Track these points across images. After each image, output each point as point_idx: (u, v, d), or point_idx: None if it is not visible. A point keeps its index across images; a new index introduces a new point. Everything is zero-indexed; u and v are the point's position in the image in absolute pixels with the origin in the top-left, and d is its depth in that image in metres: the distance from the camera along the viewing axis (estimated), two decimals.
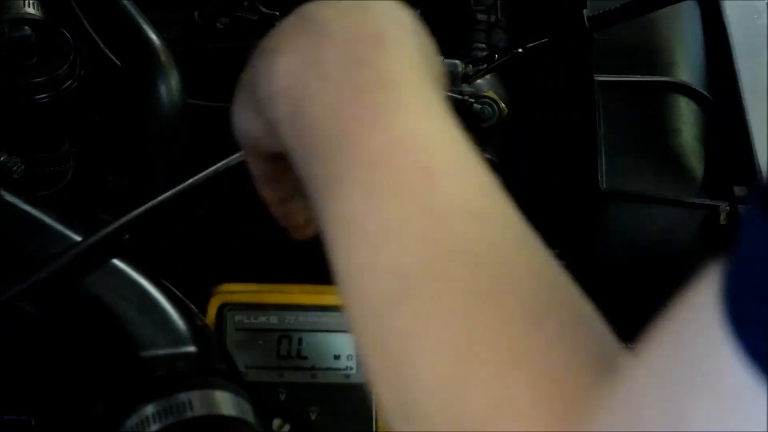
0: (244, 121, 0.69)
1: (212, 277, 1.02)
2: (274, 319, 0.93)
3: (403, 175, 0.55)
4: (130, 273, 0.83)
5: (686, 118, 1.07)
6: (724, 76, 1.11)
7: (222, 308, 0.93)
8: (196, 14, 1.12)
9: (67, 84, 0.94)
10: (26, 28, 0.92)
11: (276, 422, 0.89)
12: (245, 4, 1.12)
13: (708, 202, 1.01)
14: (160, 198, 0.91)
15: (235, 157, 0.97)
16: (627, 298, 0.98)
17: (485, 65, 1.13)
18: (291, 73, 0.62)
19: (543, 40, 1.09)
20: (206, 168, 0.95)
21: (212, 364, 0.79)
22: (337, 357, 0.93)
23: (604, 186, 1.00)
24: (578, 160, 1.07)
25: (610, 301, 0.99)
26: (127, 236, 0.91)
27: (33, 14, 0.98)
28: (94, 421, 0.78)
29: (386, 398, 0.54)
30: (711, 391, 0.40)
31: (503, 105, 1.08)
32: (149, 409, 0.75)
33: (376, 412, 0.91)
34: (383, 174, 0.55)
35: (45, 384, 0.89)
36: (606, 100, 1.05)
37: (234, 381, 0.79)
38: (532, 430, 0.47)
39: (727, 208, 0.99)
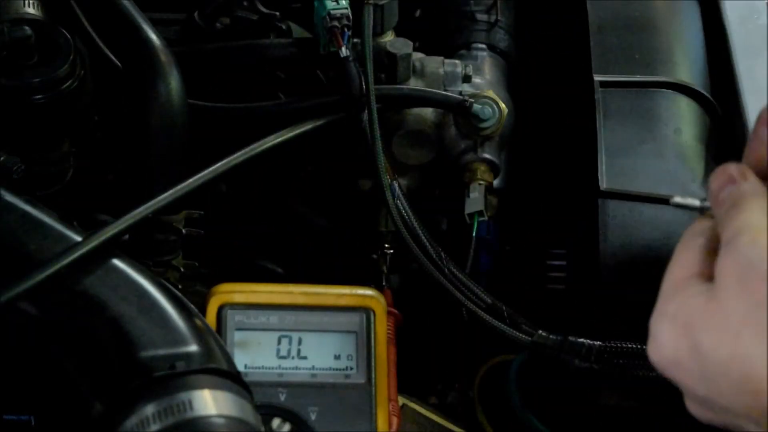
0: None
1: (212, 277, 1.02)
2: (274, 319, 0.93)
3: None
4: (130, 273, 0.83)
5: (686, 118, 1.07)
6: (724, 76, 1.11)
7: (222, 308, 0.93)
8: (196, 14, 1.12)
9: (66, 84, 0.94)
10: (26, 28, 0.92)
11: (276, 422, 0.89)
12: (245, 4, 1.12)
13: (708, 202, 1.00)
14: (160, 198, 0.91)
15: (235, 157, 0.97)
16: (627, 297, 0.98)
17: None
18: None
19: None
20: (206, 168, 0.95)
21: (212, 364, 0.79)
22: (337, 357, 0.93)
23: (604, 186, 1.00)
24: (578, 160, 1.07)
25: (611, 301, 0.99)
26: (127, 236, 0.91)
27: (33, 14, 0.98)
28: (94, 421, 0.78)
29: None
30: None
31: (503, 105, 1.08)
32: (149, 409, 0.75)
33: (376, 412, 0.91)
34: None
35: (45, 384, 0.89)
36: (606, 100, 1.05)
37: (234, 381, 0.79)
38: None
39: None
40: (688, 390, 0.66)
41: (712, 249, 0.67)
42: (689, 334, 0.64)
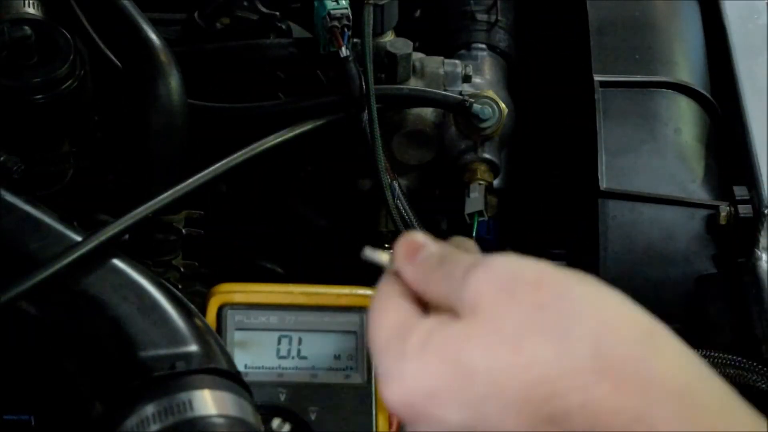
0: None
1: (212, 277, 1.02)
2: (274, 319, 0.93)
3: None
4: (130, 273, 0.83)
5: (686, 118, 1.07)
6: (724, 76, 1.11)
7: (222, 308, 0.93)
8: (196, 14, 1.12)
9: (66, 84, 0.94)
10: (26, 28, 0.92)
11: (276, 422, 0.89)
12: (245, 4, 1.12)
13: (708, 202, 1.01)
14: (160, 198, 0.91)
15: (235, 157, 0.97)
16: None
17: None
18: None
19: None
20: (206, 168, 0.95)
21: (212, 364, 0.79)
22: (337, 357, 0.93)
23: (604, 186, 1.00)
24: (578, 160, 1.07)
25: None
26: (127, 236, 0.91)
27: (33, 14, 0.98)
28: (94, 421, 0.78)
29: None
30: None
31: (503, 105, 1.08)
32: (149, 409, 0.75)
33: (376, 412, 0.91)
34: None
35: (45, 384, 0.89)
36: (606, 100, 1.05)
37: (234, 381, 0.79)
38: None
39: (727, 208, 0.99)
40: (439, 425, 0.59)
41: (415, 299, 0.64)
42: (449, 359, 0.59)
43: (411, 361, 0.60)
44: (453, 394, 0.58)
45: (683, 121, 1.06)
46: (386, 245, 1.10)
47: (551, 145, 1.19)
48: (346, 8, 1.02)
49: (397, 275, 0.65)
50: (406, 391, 0.60)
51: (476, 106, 1.07)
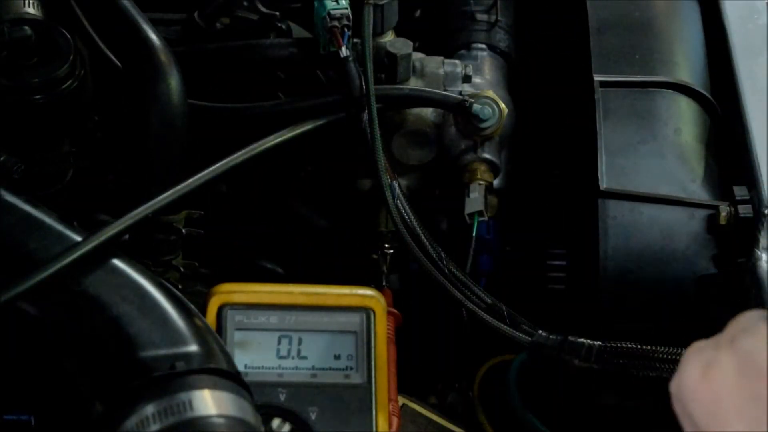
0: None
1: (212, 277, 1.02)
2: (274, 319, 0.93)
3: None
4: (130, 273, 0.83)
5: (686, 118, 1.07)
6: (724, 76, 1.11)
7: (222, 308, 0.93)
8: (196, 14, 1.12)
9: (66, 84, 0.94)
10: (26, 28, 0.92)
11: (276, 422, 0.89)
12: (245, 4, 1.12)
13: (708, 202, 1.01)
14: (160, 198, 0.91)
15: (235, 157, 0.97)
16: (627, 297, 0.98)
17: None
18: None
19: None
20: (206, 168, 0.95)
21: (212, 364, 0.79)
22: (337, 357, 0.93)
23: (604, 186, 1.00)
24: (578, 160, 1.08)
25: (611, 301, 0.99)
26: (127, 236, 0.91)
27: (33, 14, 0.98)
28: (94, 421, 0.79)
29: None
30: None
31: (503, 105, 1.08)
32: (149, 409, 0.75)
33: (376, 412, 0.91)
34: None
35: (45, 384, 0.89)
36: (606, 100, 1.05)
37: (234, 381, 0.79)
38: None
39: (727, 208, 0.99)
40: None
41: None
42: (719, 396, 0.63)
43: (693, 367, 0.65)
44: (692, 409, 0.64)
45: (683, 121, 1.06)
46: (386, 245, 1.10)
47: (551, 145, 1.19)
48: (346, 8, 1.02)
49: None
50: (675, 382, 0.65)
51: (476, 106, 1.07)
